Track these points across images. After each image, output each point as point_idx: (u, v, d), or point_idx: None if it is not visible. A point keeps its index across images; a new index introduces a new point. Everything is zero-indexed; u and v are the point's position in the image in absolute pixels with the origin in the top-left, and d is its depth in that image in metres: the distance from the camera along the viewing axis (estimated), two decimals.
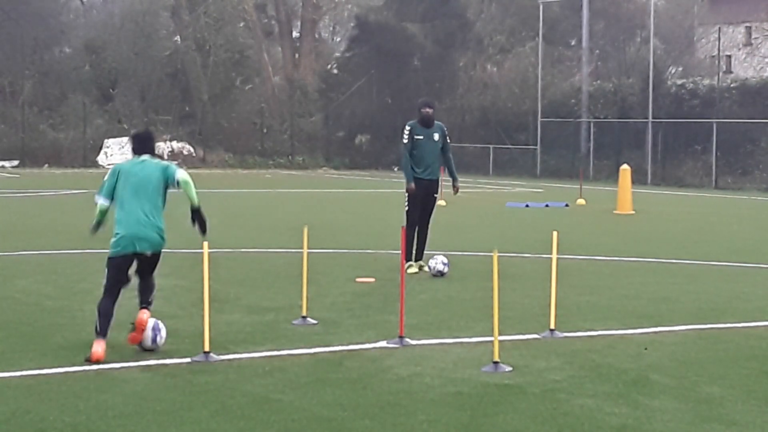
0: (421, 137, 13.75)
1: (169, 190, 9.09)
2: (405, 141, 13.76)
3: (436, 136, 13.80)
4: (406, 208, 13.81)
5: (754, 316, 10.69)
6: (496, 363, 8.12)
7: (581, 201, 28.17)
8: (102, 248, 16.30)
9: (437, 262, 13.36)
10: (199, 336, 8.70)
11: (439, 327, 9.92)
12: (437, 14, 50.39)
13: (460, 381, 7.77)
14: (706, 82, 43.08)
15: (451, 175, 14.14)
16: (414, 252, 13.84)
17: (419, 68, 51.78)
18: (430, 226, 13.99)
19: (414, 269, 13.58)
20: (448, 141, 14.07)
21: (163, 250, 9.11)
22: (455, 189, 14.24)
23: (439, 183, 14.21)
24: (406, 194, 13.83)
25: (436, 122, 13.97)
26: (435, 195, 13.95)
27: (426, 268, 13.60)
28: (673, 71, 49.23)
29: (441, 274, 13.25)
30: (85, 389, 7.39)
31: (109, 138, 48.83)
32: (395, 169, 44.46)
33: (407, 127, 13.85)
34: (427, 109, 13.85)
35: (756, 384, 7.80)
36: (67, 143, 47.87)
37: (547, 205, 27.21)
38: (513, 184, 39.18)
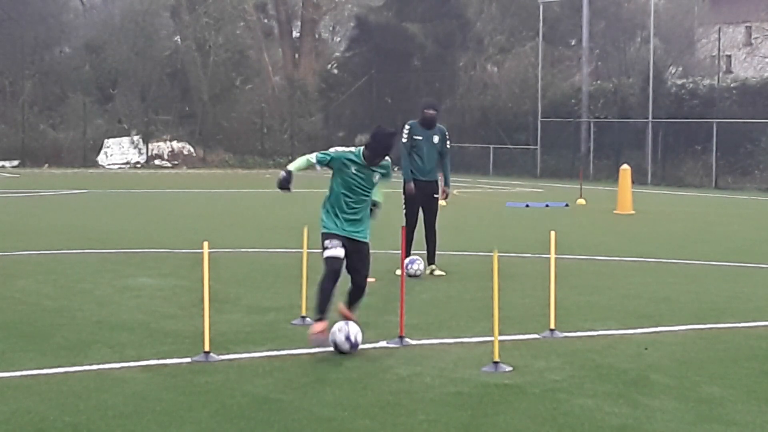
0: (420, 138, 13.62)
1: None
2: (404, 140, 13.67)
3: (436, 139, 13.64)
4: (404, 210, 13.72)
5: (754, 316, 10.69)
6: (496, 363, 8.12)
7: (581, 201, 28.17)
8: (101, 248, 16.37)
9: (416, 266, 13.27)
10: (199, 336, 8.70)
11: (439, 327, 9.91)
12: (437, 14, 50.38)
13: (460, 381, 7.76)
14: (706, 82, 43.07)
15: (445, 179, 13.78)
16: (426, 256, 13.75)
17: (419, 68, 51.78)
18: (437, 228, 13.86)
19: (427, 272, 13.51)
20: (448, 146, 13.81)
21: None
22: (444, 193, 13.81)
23: (439, 184, 14.11)
24: (404, 195, 13.70)
25: (437, 125, 13.86)
26: (435, 196, 13.79)
27: (438, 272, 13.55)
28: (673, 71, 49.22)
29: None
30: (85, 389, 7.39)
31: (109, 138, 48.88)
32: (395, 168, 44.41)
33: (407, 126, 13.73)
34: (430, 111, 13.66)
35: (756, 384, 7.80)
36: (67, 143, 47.89)
37: (547, 205, 27.21)
38: (513, 184, 39.18)
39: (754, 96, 40.75)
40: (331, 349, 8.64)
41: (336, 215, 8.95)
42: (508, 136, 47.59)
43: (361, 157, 8.93)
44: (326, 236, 8.88)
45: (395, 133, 9.11)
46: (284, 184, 8.93)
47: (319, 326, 8.71)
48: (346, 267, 8.99)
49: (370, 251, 9.13)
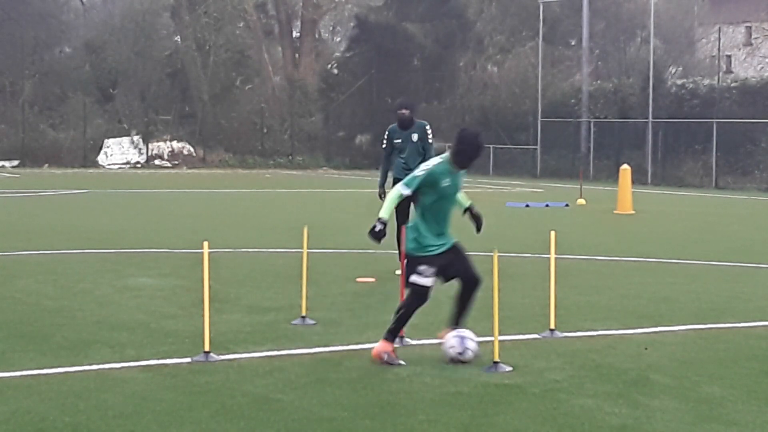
0: (400, 140, 13.59)
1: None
2: (384, 145, 13.71)
3: (415, 137, 13.52)
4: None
5: (754, 316, 10.68)
6: (496, 363, 8.12)
7: (581, 201, 28.17)
8: (101, 248, 16.36)
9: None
10: (199, 336, 8.70)
11: (439, 327, 9.88)
12: (437, 14, 50.40)
13: (460, 381, 7.76)
14: (706, 82, 43.09)
15: None
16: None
17: (419, 68, 51.81)
18: None
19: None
20: (430, 141, 13.58)
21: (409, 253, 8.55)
22: None
23: None
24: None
25: (418, 122, 13.72)
26: None
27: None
28: (673, 71, 49.26)
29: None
30: (85, 389, 7.39)
31: (109, 138, 48.91)
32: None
33: (387, 131, 13.75)
34: (403, 111, 13.57)
35: (756, 384, 7.80)
36: (67, 143, 47.92)
37: (547, 205, 27.21)
38: (513, 184, 39.18)
39: (754, 96, 40.76)
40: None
41: (433, 231, 8.45)
42: (508, 136, 47.60)
43: (450, 164, 8.45)
44: (423, 260, 8.37)
45: (481, 133, 8.82)
46: (381, 237, 8.44)
47: (389, 347, 8.33)
48: (455, 274, 8.57)
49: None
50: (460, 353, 8.33)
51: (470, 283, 8.67)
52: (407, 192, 8.42)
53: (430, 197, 8.45)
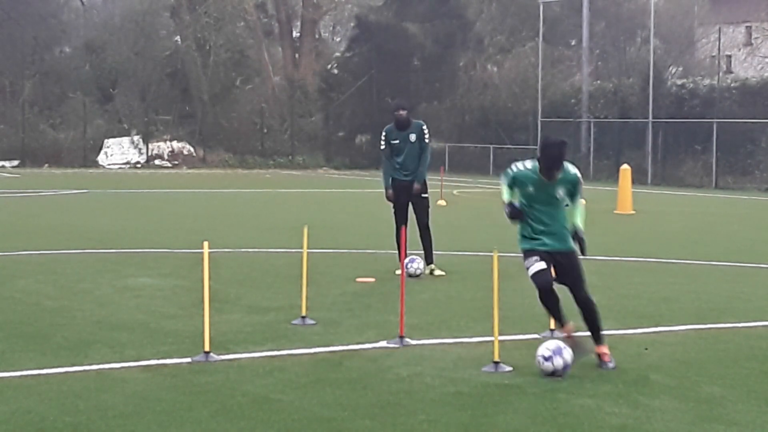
0: (397, 141, 13.57)
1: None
2: (382, 147, 13.69)
3: (413, 137, 13.50)
4: (393, 210, 13.74)
5: (754, 316, 10.69)
6: (496, 363, 8.12)
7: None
8: (101, 248, 16.36)
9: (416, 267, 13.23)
10: (199, 336, 8.70)
11: (439, 327, 9.91)
12: (437, 14, 50.41)
13: (460, 381, 7.77)
14: (706, 82, 43.09)
15: (417, 175, 13.49)
16: (423, 256, 13.71)
17: (419, 68, 51.80)
18: (430, 227, 13.81)
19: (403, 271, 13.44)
20: (426, 141, 13.56)
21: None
22: (415, 189, 13.51)
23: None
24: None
25: (414, 122, 13.71)
26: (424, 195, 13.67)
27: (438, 272, 13.50)
28: (673, 71, 49.23)
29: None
30: (85, 389, 7.39)
31: (109, 138, 48.92)
32: None
33: (383, 133, 13.73)
34: (400, 112, 13.55)
35: (756, 384, 7.80)
36: (67, 143, 47.94)
37: None
38: None
39: (754, 96, 40.75)
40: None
41: (532, 231, 8.42)
42: (508, 136, 47.60)
43: (538, 172, 8.26)
44: (525, 254, 8.45)
45: (563, 143, 8.31)
46: (517, 216, 8.40)
47: (568, 327, 8.44)
48: (563, 283, 8.44)
49: (578, 259, 8.52)
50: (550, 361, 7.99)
51: (580, 302, 8.49)
52: (502, 184, 8.52)
53: (521, 198, 8.42)
